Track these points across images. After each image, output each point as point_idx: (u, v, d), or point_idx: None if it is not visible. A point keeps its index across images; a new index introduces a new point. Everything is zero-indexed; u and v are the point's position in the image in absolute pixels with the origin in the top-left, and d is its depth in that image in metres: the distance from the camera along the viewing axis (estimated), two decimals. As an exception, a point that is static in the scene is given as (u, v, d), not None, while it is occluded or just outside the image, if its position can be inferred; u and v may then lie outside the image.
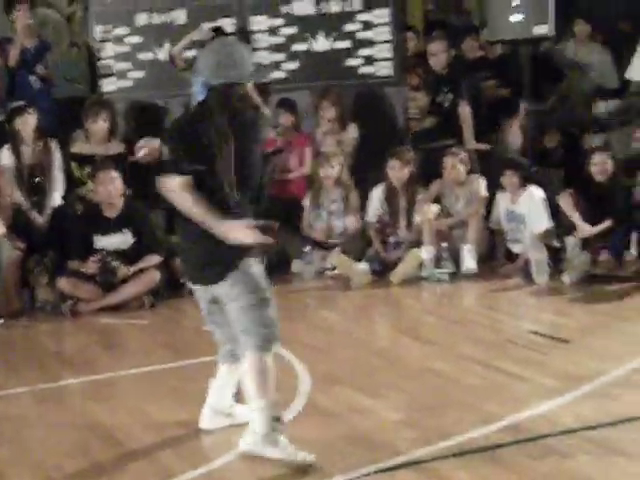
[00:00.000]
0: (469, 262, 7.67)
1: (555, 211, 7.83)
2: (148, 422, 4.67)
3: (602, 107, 8.95)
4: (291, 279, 8.02)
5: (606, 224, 7.49)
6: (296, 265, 8.11)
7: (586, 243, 7.49)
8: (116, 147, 8.20)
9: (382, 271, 7.82)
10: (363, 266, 7.76)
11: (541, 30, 8.39)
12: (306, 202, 8.40)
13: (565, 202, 7.74)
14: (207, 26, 8.48)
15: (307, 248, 8.04)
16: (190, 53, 8.54)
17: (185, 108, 8.98)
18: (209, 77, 4.05)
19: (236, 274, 4.04)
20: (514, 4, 8.29)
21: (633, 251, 7.32)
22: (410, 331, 6.25)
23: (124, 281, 7.29)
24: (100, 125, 8.12)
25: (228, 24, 8.89)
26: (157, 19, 9.05)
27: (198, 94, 4.32)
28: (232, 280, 4.05)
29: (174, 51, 8.52)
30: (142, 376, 5.53)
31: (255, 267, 4.10)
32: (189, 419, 4.62)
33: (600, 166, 7.63)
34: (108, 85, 9.11)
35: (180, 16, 9.04)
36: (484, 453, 4.04)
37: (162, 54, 9.01)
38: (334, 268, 7.92)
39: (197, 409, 4.76)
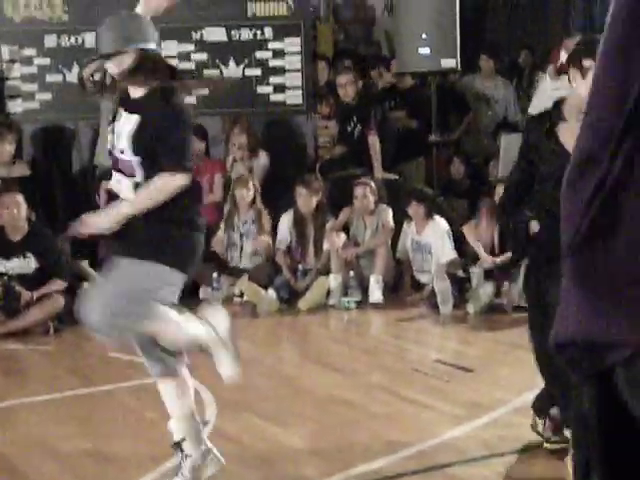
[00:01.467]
0: (376, 294, 7.74)
1: (460, 241, 7.98)
2: (51, 452, 4.58)
3: (507, 140, 9.13)
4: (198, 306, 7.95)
5: (507, 255, 7.65)
6: (204, 291, 8.08)
7: (490, 274, 7.64)
8: (21, 169, 8.08)
9: (290, 298, 7.85)
10: (271, 293, 7.78)
11: (449, 63, 8.56)
12: (221, 225, 8.36)
13: (469, 233, 7.89)
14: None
15: (215, 275, 8.01)
16: (97, 77, 8.46)
17: (94, 131, 8.93)
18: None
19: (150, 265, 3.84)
20: (423, 37, 8.43)
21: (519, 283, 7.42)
22: (318, 359, 6.27)
23: (27, 306, 7.15)
24: (5, 147, 7.98)
25: (138, 48, 8.84)
26: (66, 41, 8.96)
27: None
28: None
29: (84, 74, 8.42)
30: (45, 404, 5.43)
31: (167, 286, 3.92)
32: (92, 447, 4.56)
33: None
34: (14, 107, 8.97)
35: (90, 39, 8.96)
36: (390, 481, 4.08)
37: (71, 76, 8.92)
38: (242, 295, 7.92)
39: (102, 437, 4.71)
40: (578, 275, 1.19)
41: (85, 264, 7.71)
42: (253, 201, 8.36)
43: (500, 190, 7.79)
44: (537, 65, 10.29)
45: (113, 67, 3.99)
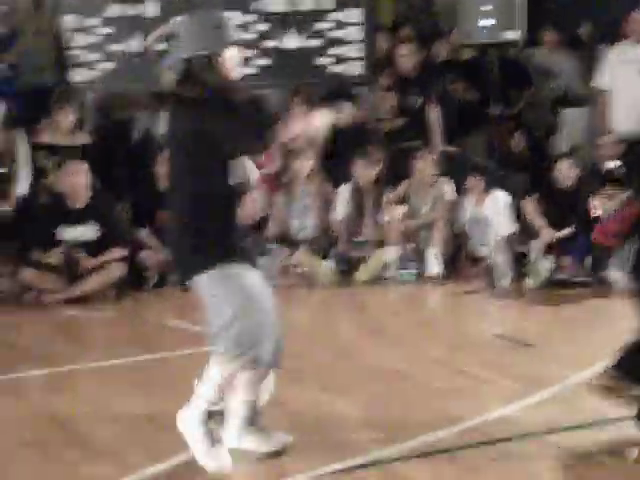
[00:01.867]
0: (434, 266, 7.71)
1: (520, 215, 7.90)
2: (111, 416, 4.64)
3: (569, 114, 9.02)
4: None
5: (568, 230, 7.57)
6: (262, 261, 8.09)
7: (550, 248, 7.56)
8: (83, 138, 8.15)
9: (347, 270, 7.84)
10: (328, 264, 7.78)
11: (511, 35, 8.44)
12: (279, 198, 8.35)
13: (529, 207, 7.82)
14: (179, 19, 8.42)
15: (273, 245, 8.03)
16: (161, 46, 8.49)
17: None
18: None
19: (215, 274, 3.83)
20: (484, 9, 8.32)
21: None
22: (374, 331, 6.27)
23: (88, 273, 7.24)
24: (67, 116, 8.05)
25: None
26: (128, 11, 8.99)
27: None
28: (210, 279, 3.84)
29: (147, 43, 8.46)
30: (105, 369, 5.50)
31: (243, 274, 3.87)
32: (152, 413, 4.62)
33: (565, 172, 7.70)
34: (77, 75, 9.03)
35: (152, 9, 8.99)
36: (446, 455, 4.06)
37: (133, 46, 8.96)
38: (299, 265, 7.92)
39: (160, 403, 4.75)
40: None
41: (145, 232, 7.76)
42: (312, 172, 8.33)
43: (562, 165, 7.71)
44: (599, 38, 10.09)
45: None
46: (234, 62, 3.93)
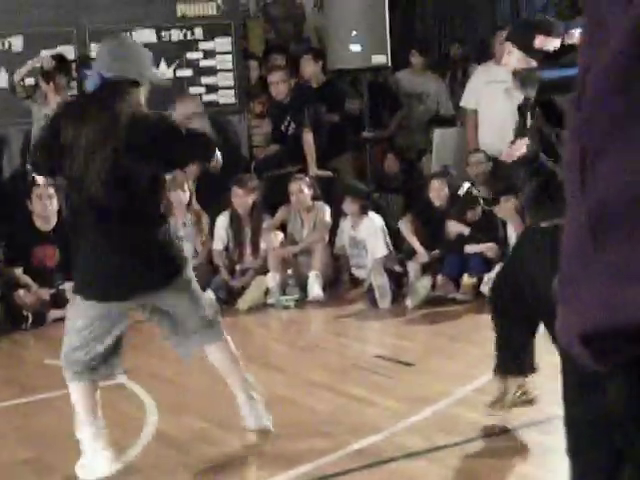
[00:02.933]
0: (315, 290, 7.75)
1: (396, 236, 8.03)
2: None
3: (439, 135, 9.22)
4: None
5: (438, 251, 7.74)
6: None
7: (426, 267, 7.70)
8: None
9: (229, 299, 7.82)
10: (209, 294, 7.73)
11: (379, 59, 8.59)
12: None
13: (405, 227, 7.95)
14: (47, 53, 8.35)
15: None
16: (29, 81, 8.38)
17: (25, 137, 8.80)
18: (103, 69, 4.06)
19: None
20: (353, 33, 8.46)
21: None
22: (258, 359, 6.25)
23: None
24: None
25: (68, 51, 8.76)
26: (-7, 46, 8.83)
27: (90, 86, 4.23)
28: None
29: (15, 79, 8.33)
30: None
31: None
32: (32, 457, 4.51)
33: (437, 192, 7.87)
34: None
35: (17, 43, 8.84)
36: (335, 479, 4.09)
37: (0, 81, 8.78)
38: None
39: (42, 446, 4.65)
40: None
41: (19, 271, 7.58)
42: (189, 203, 8.30)
43: (434, 184, 7.88)
44: (468, 57, 10.38)
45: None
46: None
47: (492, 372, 4.63)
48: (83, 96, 4.19)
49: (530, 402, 4.60)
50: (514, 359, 4.55)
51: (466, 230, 7.65)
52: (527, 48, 4.30)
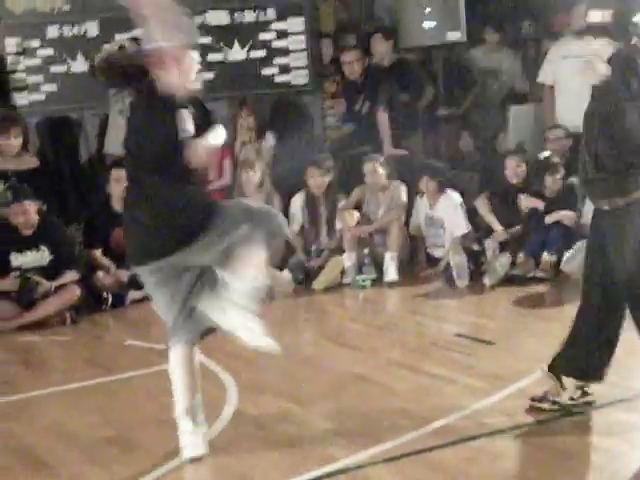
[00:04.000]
0: (391, 271, 7.69)
1: (473, 214, 7.94)
2: (74, 441, 4.58)
3: (515, 112, 9.07)
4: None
5: (519, 228, 7.63)
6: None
7: (504, 245, 7.60)
8: (29, 162, 8.03)
9: (305, 279, 7.82)
10: (286, 274, 7.75)
11: (454, 36, 8.49)
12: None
13: (482, 206, 7.86)
14: (123, 37, 8.38)
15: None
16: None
17: (101, 122, 8.89)
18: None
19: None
20: (426, 10, 8.36)
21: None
22: (335, 338, 6.25)
23: (44, 297, 7.14)
24: (12, 140, 7.93)
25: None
26: (69, 31, 8.91)
27: None
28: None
29: (96, 62, 8.39)
30: (65, 394, 5.42)
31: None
32: (115, 435, 4.56)
33: (513, 170, 7.75)
34: (20, 99, 8.92)
35: (92, 28, 8.92)
36: (417, 457, 4.06)
37: (75, 66, 8.88)
38: (257, 277, 7.86)
39: (123, 425, 4.70)
40: None
41: (98, 253, 7.68)
42: (261, 184, 8.31)
43: (510, 162, 7.77)
44: (541, 35, 10.18)
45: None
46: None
47: (545, 368, 4.48)
48: None
49: (590, 404, 4.42)
50: (587, 360, 4.38)
51: (541, 205, 7.51)
52: None
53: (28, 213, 7.30)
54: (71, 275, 7.28)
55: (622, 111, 4.10)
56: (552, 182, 7.53)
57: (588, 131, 4.24)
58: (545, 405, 4.44)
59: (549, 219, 7.42)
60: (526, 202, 7.62)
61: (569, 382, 4.41)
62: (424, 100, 9.19)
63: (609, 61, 4.18)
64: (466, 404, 4.61)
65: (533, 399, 4.49)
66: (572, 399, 4.40)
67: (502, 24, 10.26)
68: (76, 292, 7.21)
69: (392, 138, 8.60)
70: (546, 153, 7.69)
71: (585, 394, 4.42)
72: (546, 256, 7.33)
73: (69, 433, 4.69)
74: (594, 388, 4.45)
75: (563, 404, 4.41)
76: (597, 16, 4.26)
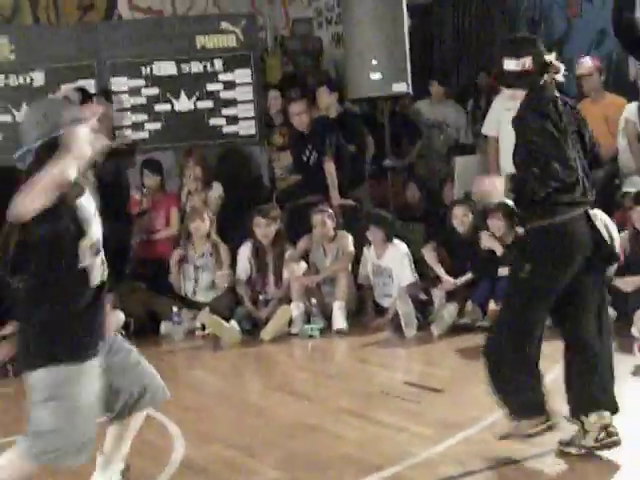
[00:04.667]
0: (339, 320, 7.68)
1: (420, 264, 7.98)
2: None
3: (460, 162, 9.17)
4: (161, 341, 7.87)
5: (468, 276, 7.67)
6: (165, 326, 7.98)
7: (452, 294, 7.64)
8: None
9: (253, 329, 7.78)
10: (233, 324, 7.70)
11: (400, 87, 8.58)
12: (174, 258, 8.28)
13: (428, 255, 7.90)
14: (68, 87, 8.40)
15: (175, 308, 7.92)
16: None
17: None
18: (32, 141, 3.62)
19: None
20: (373, 62, 8.46)
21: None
22: (284, 387, 6.21)
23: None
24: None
25: (89, 85, 8.80)
26: (15, 80, 8.87)
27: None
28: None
29: None
30: (6, 446, 5.28)
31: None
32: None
33: (460, 219, 7.82)
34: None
35: (38, 77, 8.89)
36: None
37: (20, 116, 8.82)
38: (204, 327, 7.82)
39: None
40: None
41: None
42: (208, 234, 8.30)
43: (457, 211, 7.83)
44: (494, 86, 10.32)
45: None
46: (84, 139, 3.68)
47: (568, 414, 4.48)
48: None
49: (616, 444, 4.38)
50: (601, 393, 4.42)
51: (499, 249, 7.50)
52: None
53: None
54: (12, 326, 7.13)
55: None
56: (497, 228, 7.53)
57: None
58: (572, 450, 4.41)
59: (503, 271, 7.29)
60: (486, 241, 7.59)
61: (591, 424, 4.38)
62: (368, 152, 9.28)
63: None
64: (416, 451, 4.59)
65: (561, 443, 4.45)
66: (597, 440, 4.37)
67: (447, 77, 10.44)
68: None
69: (339, 188, 8.64)
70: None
71: (610, 435, 4.36)
72: (493, 305, 7.36)
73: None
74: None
75: (589, 447, 4.38)
76: (511, 64, 4.41)
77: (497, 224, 7.52)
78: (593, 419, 4.35)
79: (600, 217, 4.40)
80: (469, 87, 10.71)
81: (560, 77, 4.45)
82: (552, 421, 4.48)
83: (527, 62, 4.38)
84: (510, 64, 4.42)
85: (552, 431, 4.47)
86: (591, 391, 4.39)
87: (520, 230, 7.02)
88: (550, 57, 4.44)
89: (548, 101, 4.34)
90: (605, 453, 4.35)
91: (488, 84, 10.25)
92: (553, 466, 4.35)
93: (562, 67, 4.45)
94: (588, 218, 4.35)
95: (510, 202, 6.93)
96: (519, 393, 4.45)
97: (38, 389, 3.66)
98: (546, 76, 4.41)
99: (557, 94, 4.43)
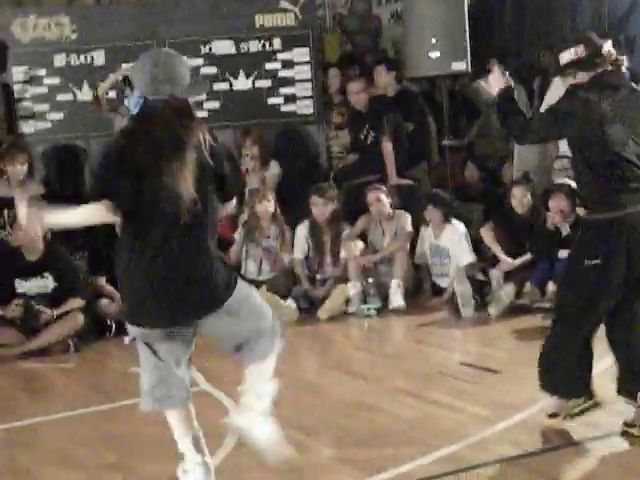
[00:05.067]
0: (397, 299, 7.68)
1: (478, 244, 7.92)
2: (77, 468, 4.55)
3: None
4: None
5: (526, 257, 7.60)
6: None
7: (509, 275, 7.58)
8: (34, 189, 8.04)
9: (310, 308, 7.80)
10: (290, 303, 7.73)
11: (459, 66, 8.51)
12: (237, 237, 8.29)
13: (487, 235, 7.84)
14: (129, 66, 8.46)
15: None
16: (112, 94, 8.52)
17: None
18: (144, 91, 3.80)
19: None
20: (432, 41, 8.39)
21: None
22: (340, 366, 6.22)
23: (47, 325, 7.12)
24: (18, 168, 7.95)
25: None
26: (75, 60, 8.96)
27: (133, 108, 3.92)
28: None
29: (98, 92, 8.46)
30: (68, 420, 5.39)
31: None
32: (118, 461, 4.53)
33: (519, 199, 7.74)
34: (27, 127, 8.97)
35: (98, 57, 8.97)
36: (423, 484, 4.03)
37: (81, 95, 8.92)
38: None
39: (126, 451, 4.67)
40: None
41: (102, 281, 7.67)
42: (274, 214, 8.27)
43: (516, 192, 7.75)
44: (547, 67, 10.20)
45: None
46: None
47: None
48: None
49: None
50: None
51: (566, 229, 7.39)
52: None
53: (34, 239, 7.30)
54: (75, 302, 7.27)
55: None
56: (559, 208, 7.41)
57: None
58: (634, 430, 4.39)
59: (563, 254, 7.19)
60: (554, 219, 7.43)
61: None
62: (427, 130, 9.22)
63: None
64: (472, 432, 4.58)
65: (625, 424, 4.44)
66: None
67: (506, 55, 10.30)
68: (79, 319, 7.19)
69: (397, 168, 8.61)
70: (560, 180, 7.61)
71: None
72: (552, 286, 7.29)
73: (72, 459, 4.66)
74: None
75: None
76: (565, 56, 4.42)
77: (559, 205, 7.42)
78: None
79: None
80: (531, 66, 10.56)
81: (624, 65, 4.42)
82: (596, 400, 4.53)
83: (579, 50, 4.37)
84: (564, 57, 4.42)
85: (598, 409, 4.52)
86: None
87: (582, 212, 6.96)
88: (607, 45, 4.41)
89: (602, 88, 4.32)
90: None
91: (550, 63, 10.11)
92: (612, 448, 4.31)
93: (622, 57, 4.44)
94: None
95: (572, 183, 6.91)
96: (568, 376, 4.50)
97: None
98: (604, 64, 4.39)
99: (622, 80, 4.40)
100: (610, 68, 4.41)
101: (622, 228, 4.26)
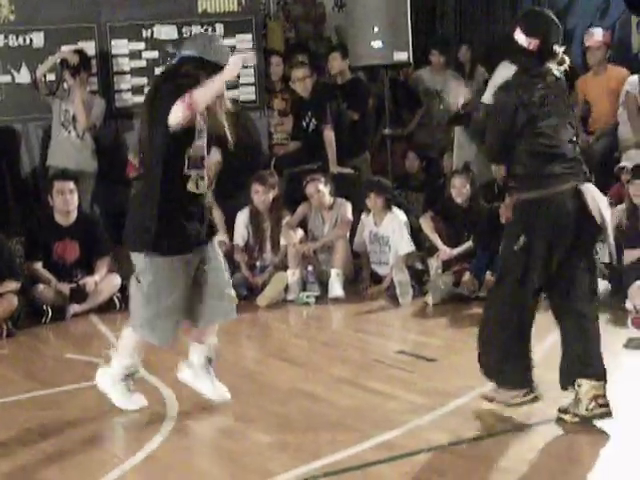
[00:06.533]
0: (336, 288, 7.70)
1: (417, 233, 7.98)
2: (11, 455, 4.49)
3: (460, 132, 9.14)
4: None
5: (465, 246, 7.67)
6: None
7: (448, 264, 7.64)
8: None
9: (249, 295, 7.79)
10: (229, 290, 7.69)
11: (401, 56, 8.55)
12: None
13: (426, 225, 7.89)
14: (67, 49, 8.37)
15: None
16: (50, 77, 8.40)
17: (44, 133, 8.75)
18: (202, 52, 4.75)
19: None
20: (374, 30, 8.42)
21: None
22: (279, 354, 6.23)
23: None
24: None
25: (89, 47, 8.75)
26: (14, 41, 8.81)
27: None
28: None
29: (37, 75, 8.34)
30: (1, 407, 5.32)
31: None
32: (54, 450, 4.48)
33: (459, 189, 7.80)
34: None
35: (38, 39, 8.82)
36: (356, 472, 4.05)
37: (19, 77, 8.78)
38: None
39: (61, 438, 4.63)
40: None
41: (39, 265, 7.57)
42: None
43: (456, 182, 7.81)
44: (476, 59, 10.26)
45: None
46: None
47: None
48: None
49: (607, 415, 4.42)
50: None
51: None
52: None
53: None
54: (10, 285, 7.14)
55: None
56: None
57: None
58: (567, 417, 4.46)
59: None
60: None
61: (584, 394, 4.40)
62: (370, 120, 9.25)
63: None
64: (408, 419, 4.62)
65: (560, 410, 4.51)
66: (587, 409, 4.40)
67: (447, 47, 10.37)
68: (13, 302, 7.05)
69: (338, 156, 8.63)
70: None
71: (601, 405, 4.40)
72: (489, 276, 7.37)
73: (5, 448, 4.60)
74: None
75: (581, 415, 4.42)
76: (521, 38, 4.53)
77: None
78: (585, 388, 4.39)
79: (591, 192, 4.42)
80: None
81: (559, 70, 4.52)
82: (536, 394, 4.58)
83: (533, 43, 4.41)
84: (520, 38, 4.47)
85: (535, 403, 4.58)
86: (580, 357, 4.45)
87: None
88: (560, 48, 4.48)
89: (535, 83, 4.45)
90: (598, 423, 4.38)
91: (470, 57, 10.20)
92: (545, 434, 4.38)
93: (567, 61, 4.54)
94: (579, 193, 4.38)
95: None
96: (506, 364, 4.55)
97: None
98: (548, 64, 4.46)
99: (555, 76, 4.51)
100: (553, 67, 4.50)
101: (550, 207, 4.37)
